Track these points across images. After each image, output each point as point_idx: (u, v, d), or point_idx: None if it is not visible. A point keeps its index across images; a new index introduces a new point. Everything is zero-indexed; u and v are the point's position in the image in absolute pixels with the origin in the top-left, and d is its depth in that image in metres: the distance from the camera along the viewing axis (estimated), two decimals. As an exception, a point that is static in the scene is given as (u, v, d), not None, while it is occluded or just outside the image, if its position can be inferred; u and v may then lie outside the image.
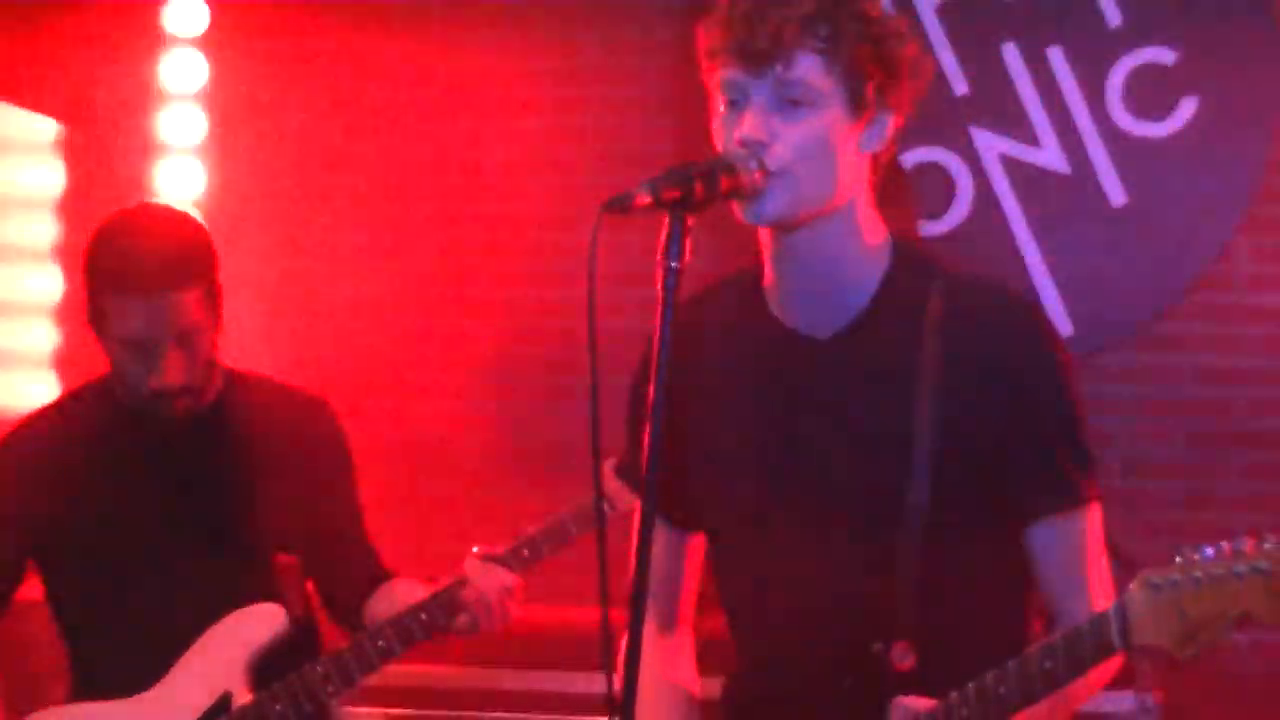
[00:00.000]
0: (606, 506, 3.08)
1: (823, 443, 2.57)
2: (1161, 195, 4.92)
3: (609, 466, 2.97)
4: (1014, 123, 4.97)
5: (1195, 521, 4.85)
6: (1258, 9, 4.87)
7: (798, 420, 2.59)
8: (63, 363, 5.18)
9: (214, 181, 5.22)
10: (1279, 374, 4.89)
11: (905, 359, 2.54)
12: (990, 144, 4.98)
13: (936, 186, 4.96)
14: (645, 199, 2.32)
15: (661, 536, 2.56)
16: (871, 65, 2.49)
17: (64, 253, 5.19)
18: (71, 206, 5.23)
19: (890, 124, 2.55)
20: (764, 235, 2.58)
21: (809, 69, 2.46)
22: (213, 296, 3.46)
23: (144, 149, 5.21)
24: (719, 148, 2.50)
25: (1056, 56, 4.94)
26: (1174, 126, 4.89)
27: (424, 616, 3.46)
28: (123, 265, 3.39)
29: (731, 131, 2.48)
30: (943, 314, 2.55)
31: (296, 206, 5.23)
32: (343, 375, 4.82)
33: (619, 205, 2.32)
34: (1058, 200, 4.95)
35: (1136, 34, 4.90)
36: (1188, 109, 4.88)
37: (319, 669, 3.45)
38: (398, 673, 4.09)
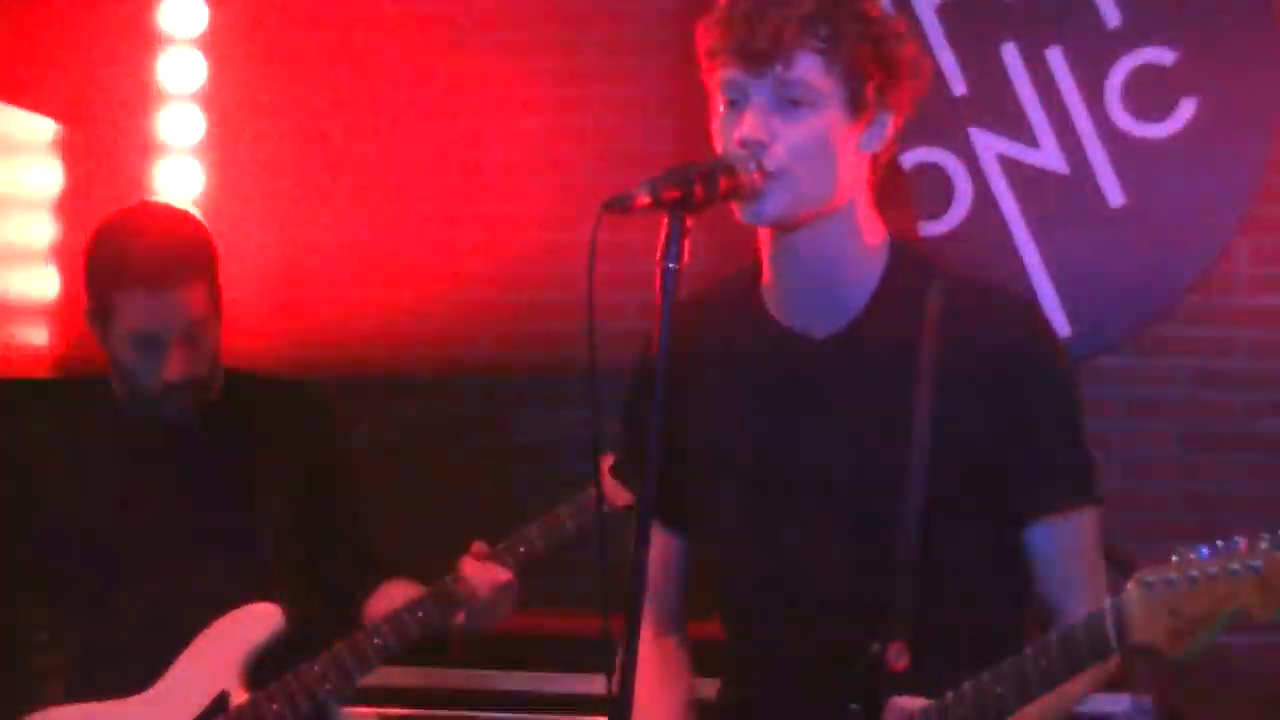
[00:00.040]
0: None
1: (820, 443, 2.57)
2: (1161, 196, 4.91)
3: (604, 465, 2.97)
4: (1013, 123, 4.97)
5: (1194, 524, 4.85)
6: (1257, 9, 4.87)
7: (795, 420, 2.59)
8: (61, 364, 5.18)
9: (213, 181, 5.21)
10: (1278, 376, 4.89)
11: (903, 359, 2.54)
12: (989, 144, 4.98)
13: (935, 187, 4.96)
14: (645, 199, 2.32)
15: (658, 538, 2.56)
16: (871, 65, 2.49)
17: (62, 253, 5.19)
18: (70, 206, 5.23)
19: (890, 124, 2.55)
20: (763, 235, 2.58)
21: (809, 69, 2.47)
22: (215, 292, 3.47)
23: (142, 149, 5.21)
24: (718, 148, 2.50)
25: (1055, 57, 4.94)
26: (1173, 127, 4.89)
27: (421, 614, 3.46)
28: (129, 259, 3.39)
29: (731, 132, 2.48)
30: (941, 314, 2.55)
31: (296, 206, 5.23)
32: (342, 374, 4.83)
33: (618, 205, 2.32)
34: (1056, 201, 4.95)
35: (1136, 34, 4.90)
36: (1187, 109, 4.88)
37: (316, 668, 3.45)
38: (397, 673, 4.10)
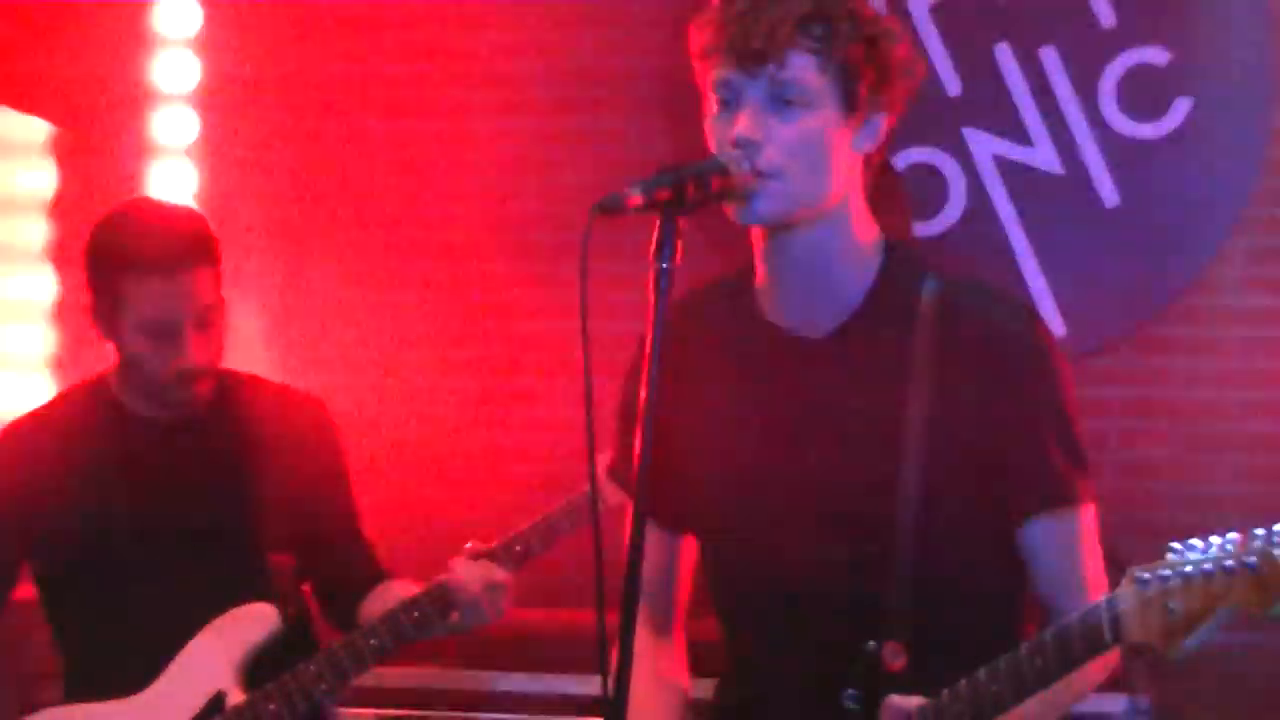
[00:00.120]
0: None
1: (815, 443, 2.57)
2: (1155, 196, 4.91)
3: (600, 465, 2.96)
4: (1007, 123, 4.96)
5: (1189, 523, 4.83)
6: (1251, 9, 4.87)
7: (790, 420, 2.59)
8: (57, 365, 5.17)
9: (206, 182, 5.21)
10: (1273, 376, 4.89)
11: (897, 359, 2.54)
12: (983, 144, 4.98)
13: (930, 187, 4.96)
14: (637, 200, 2.32)
15: (653, 538, 2.55)
16: (865, 65, 2.49)
17: (57, 254, 5.18)
18: (64, 208, 5.22)
19: (883, 124, 2.55)
20: (756, 235, 2.58)
21: (803, 69, 2.47)
22: (219, 281, 3.47)
23: (137, 150, 5.21)
24: (712, 148, 2.50)
25: (1050, 57, 4.94)
26: (1168, 127, 4.89)
27: (416, 613, 3.46)
28: (139, 247, 3.39)
29: (725, 131, 2.48)
30: (935, 314, 2.55)
31: (290, 207, 5.22)
32: (338, 376, 4.82)
33: (611, 206, 2.32)
34: (1051, 201, 4.95)
35: (1130, 34, 4.89)
36: (1182, 109, 4.88)
37: (312, 668, 3.45)
38: (395, 673, 4.10)
